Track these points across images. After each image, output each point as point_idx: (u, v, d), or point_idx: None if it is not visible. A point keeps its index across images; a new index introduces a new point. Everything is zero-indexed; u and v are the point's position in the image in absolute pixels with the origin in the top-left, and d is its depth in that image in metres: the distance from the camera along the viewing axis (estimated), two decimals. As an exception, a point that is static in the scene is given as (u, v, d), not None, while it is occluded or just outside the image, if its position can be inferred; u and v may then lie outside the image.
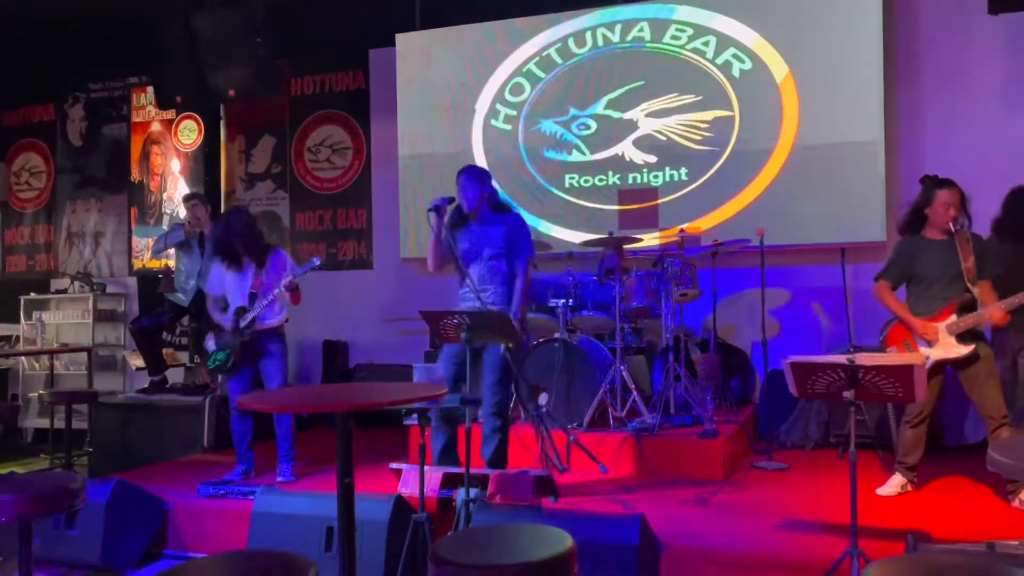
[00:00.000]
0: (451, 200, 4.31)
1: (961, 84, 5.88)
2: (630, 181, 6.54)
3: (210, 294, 4.98)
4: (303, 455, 5.17)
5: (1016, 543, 2.93)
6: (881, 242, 5.81)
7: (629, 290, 5.27)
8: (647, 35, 6.53)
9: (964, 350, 4.00)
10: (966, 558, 2.37)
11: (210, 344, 4.87)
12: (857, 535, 2.92)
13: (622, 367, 5.07)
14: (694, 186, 6.35)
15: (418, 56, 7.16)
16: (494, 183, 4.46)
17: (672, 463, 4.69)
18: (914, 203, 4.23)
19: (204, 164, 7.88)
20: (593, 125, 6.64)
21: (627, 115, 6.54)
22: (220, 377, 4.94)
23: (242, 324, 4.77)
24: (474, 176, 4.36)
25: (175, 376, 6.84)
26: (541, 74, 6.82)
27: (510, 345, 4.10)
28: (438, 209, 4.22)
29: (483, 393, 4.18)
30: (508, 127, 6.90)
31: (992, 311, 3.93)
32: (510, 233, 4.31)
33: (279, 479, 4.76)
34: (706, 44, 6.35)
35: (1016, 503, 3.89)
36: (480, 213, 4.35)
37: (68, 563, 4.03)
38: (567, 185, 6.70)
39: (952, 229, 4.06)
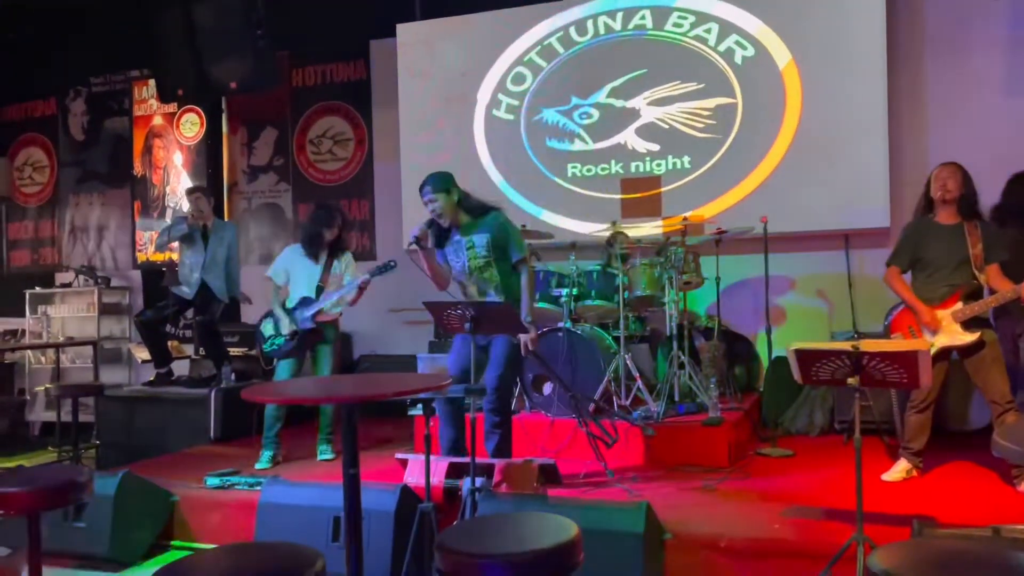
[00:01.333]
0: (429, 223, 4.11)
1: (965, 69, 5.85)
2: (633, 170, 6.53)
3: (273, 281, 5.17)
4: (309, 444, 5.21)
5: (1022, 527, 2.93)
6: (885, 228, 5.80)
7: (633, 279, 5.27)
8: (649, 23, 6.50)
9: (969, 337, 3.99)
10: (972, 543, 2.37)
11: (268, 328, 5.08)
12: (863, 521, 2.92)
13: (626, 355, 5.07)
14: (697, 174, 6.33)
15: (419, 46, 7.13)
16: (463, 184, 4.22)
17: (677, 451, 4.69)
18: (924, 189, 4.24)
19: (206, 157, 7.88)
20: (595, 114, 6.62)
21: (629, 103, 6.52)
22: (275, 361, 5.17)
23: (308, 313, 4.99)
24: (436, 186, 4.05)
25: (181, 368, 6.86)
26: (543, 63, 6.80)
27: (529, 347, 4.09)
28: (418, 241, 4.01)
29: (486, 388, 4.15)
30: (510, 117, 6.89)
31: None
32: (494, 237, 4.09)
33: (320, 458, 5.09)
34: (708, 31, 6.33)
35: (1022, 488, 3.89)
36: (459, 222, 4.14)
37: (76, 555, 4.06)
38: (570, 174, 6.69)
39: (944, 199, 4.06)
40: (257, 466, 4.88)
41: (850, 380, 2.95)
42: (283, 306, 5.08)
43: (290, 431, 5.23)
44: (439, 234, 4.17)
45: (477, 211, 4.16)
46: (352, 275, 5.13)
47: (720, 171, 6.26)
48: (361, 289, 5.02)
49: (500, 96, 6.92)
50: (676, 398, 5.15)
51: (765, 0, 6.19)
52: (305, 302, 5.03)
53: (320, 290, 5.04)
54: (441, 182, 4.08)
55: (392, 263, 4.95)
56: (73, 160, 8.63)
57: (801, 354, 3.04)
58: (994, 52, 5.78)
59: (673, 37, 6.43)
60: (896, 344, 3.38)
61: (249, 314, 7.32)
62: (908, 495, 3.92)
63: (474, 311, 3.51)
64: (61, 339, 7.97)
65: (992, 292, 4.05)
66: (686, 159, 6.37)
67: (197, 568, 1.96)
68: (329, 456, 5.09)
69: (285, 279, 5.15)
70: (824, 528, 3.45)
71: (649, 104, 6.47)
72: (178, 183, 8.02)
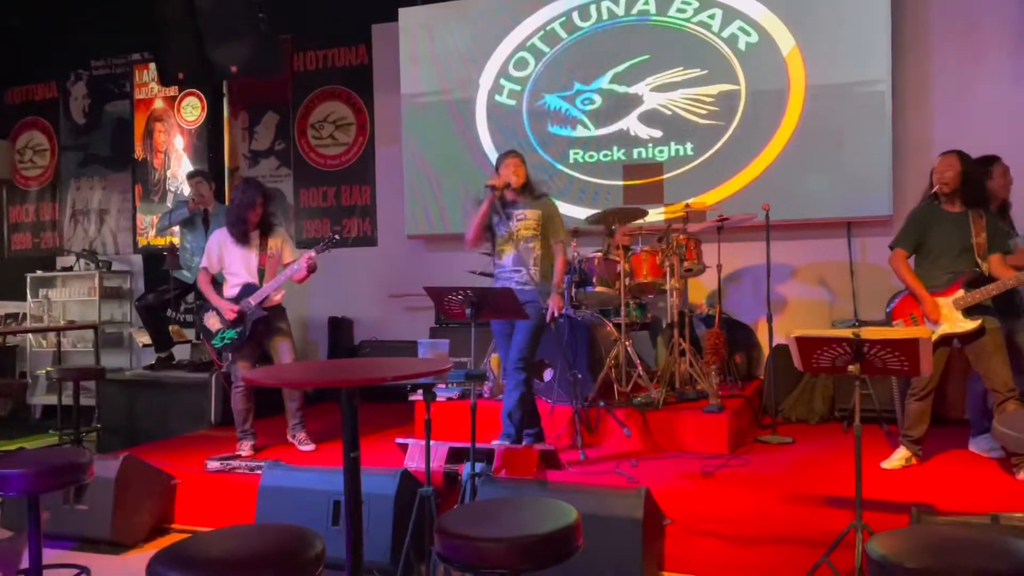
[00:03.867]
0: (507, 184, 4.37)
1: (970, 56, 5.81)
2: (635, 156, 6.51)
3: (205, 269, 4.90)
4: (309, 430, 5.20)
5: (1020, 515, 2.94)
6: (887, 216, 5.79)
7: (634, 266, 5.26)
8: (652, 8, 6.46)
9: (971, 325, 3.98)
10: (970, 530, 2.38)
11: (212, 322, 4.84)
12: (862, 508, 2.93)
13: (627, 342, 5.07)
14: (699, 161, 6.31)
15: (421, 31, 7.10)
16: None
17: (677, 437, 4.70)
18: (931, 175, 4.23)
19: (207, 141, 7.85)
20: (598, 100, 6.60)
21: (632, 89, 6.49)
22: (230, 355, 4.89)
23: (254, 302, 4.77)
24: (520, 155, 4.48)
25: (181, 353, 6.87)
26: (545, 48, 6.77)
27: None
28: (493, 188, 4.29)
29: (512, 350, 4.28)
30: (512, 102, 6.86)
31: None
32: (545, 216, 4.40)
33: (304, 448, 4.97)
34: (712, 17, 6.29)
35: (1021, 476, 3.89)
36: (522, 194, 4.41)
37: (78, 538, 4.07)
38: (572, 160, 6.67)
39: (943, 192, 4.07)
40: (239, 453, 4.82)
41: (851, 368, 2.95)
42: (231, 297, 4.82)
43: (271, 421, 5.22)
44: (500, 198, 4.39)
45: (536, 190, 4.49)
46: (292, 252, 4.88)
47: (723, 158, 6.24)
48: (309, 267, 4.73)
49: (502, 81, 6.89)
50: (676, 385, 5.16)
51: (769, -14, 6.16)
52: (248, 289, 4.78)
53: (262, 274, 4.81)
54: (523, 156, 4.50)
55: (336, 236, 4.81)
56: (74, 144, 8.61)
57: (802, 341, 3.04)
58: (1001, 39, 5.75)
59: (676, 23, 6.39)
60: (897, 332, 3.37)
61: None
62: (907, 483, 3.93)
63: (475, 296, 3.51)
64: (62, 323, 7.99)
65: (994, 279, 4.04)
66: (689, 146, 6.35)
67: (198, 550, 1.96)
68: (310, 447, 4.96)
69: (219, 266, 4.87)
70: (823, 515, 3.46)
71: (652, 90, 6.44)
72: (179, 167, 8.00)
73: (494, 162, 4.60)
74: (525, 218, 4.37)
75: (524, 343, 4.28)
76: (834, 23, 5.96)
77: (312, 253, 4.72)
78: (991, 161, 4.53)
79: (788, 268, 6.17)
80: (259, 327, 4.83)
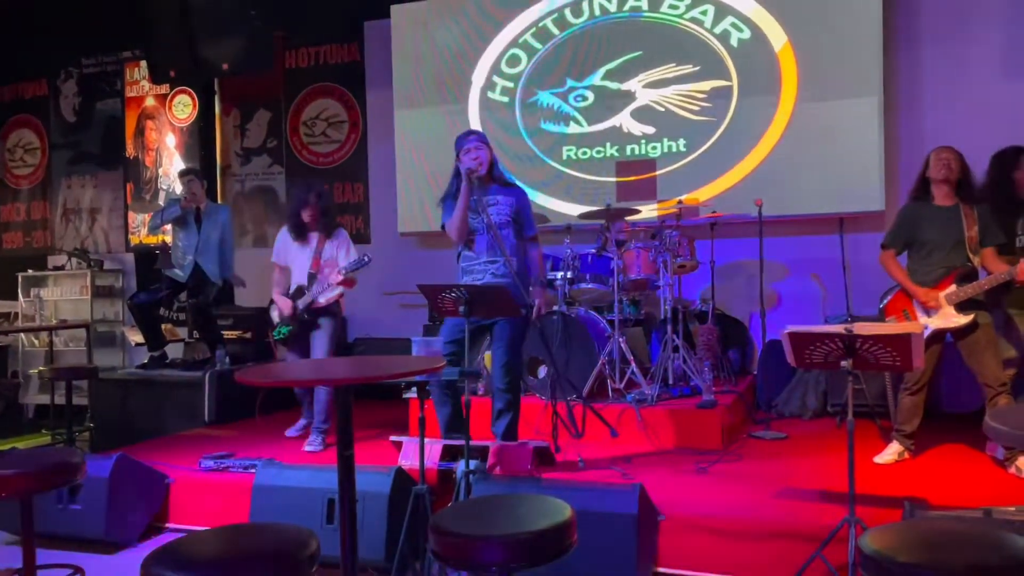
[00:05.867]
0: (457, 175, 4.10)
1: (962, 52, 5.83)
2: (628, 152, 6.51)
3: (276, 264, 5.15)
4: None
5: (1013, 509, 2.95)
6: (879, 211, 5.80)
7: (627, 262, 5.27)
8: (644, 4, 6.46)
9: (963, 320, 4.00)
10: (963, 524, 2.39)
11: (275, 315, 5.10)
12: (855, 502, 2.94)
13: (620, 339, 5.08)
14: (692, 157, 6.32)
15: (414, 28, 7.09)
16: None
17: (671, 433, 4.71)
18: (920, 171, 4.23)
19: (199, 139, 7.83)
20: (590, 96, 6.59)
21: (625, 86, 6.49)
22: (282, 347, 5.20)
23: (300, 307, 4.97)
24: (484, 138, 4.13)
25: (174, 351, 6.84)
26: (538, 45, 6.76)
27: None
28: (469, 172, 3.96)
29: (495, 370, 4.12)
30: (505, 99, 6.85)
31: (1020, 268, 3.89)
32: (518, 204, 4.16)
33: (307, 448, 4.92)
34: (704, 13, 6.29)
35: (1013, 470, 3.91)
36: (485, 183, 4.10)
37: (72, 537, 4.06)
38: (564, 157, 6.67)
39: (948, 179, 4.07)
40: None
41: (843, 363, 2.95)
42: (286, 292, 5.07)
43: (281, 415, 5.22)
44: (458, 187, 4.06)
45: (504, 179, 4.23)
46: (346, 255, 5.02)
47: (715, 154, 6.24)
48: (342, 284, 4.97)
49: (495, 78, 6.88)
50: (670, 381, 5.17)
51: (761, -18, 6.16)
52: (300, 292, 5.01)
53: (312, 277, 4.98)
54: (485, 136, 4.18)
55: (366, 258, 4.94)
56: (65, 142, 8.57)
57: (795, 337, 3.05)
58: (992, 35, 5.76)
59: (669, 19, 6.40)
60: (890, 327, 3.38)
61: (243, 297, 7.31)
62: (900, 477, 3.95)
63: (468, 294, 3.50)
64: (54, 322, 7.95)
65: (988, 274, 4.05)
66: (681, 142, 6.35)
67: (192, 549, 1.96)
68: (317, 448, 4.93)
69: (286, 261, 5.13)
70: (816, 510, 3.46)
71: (644, 87, 6.44)
72: (171, 165, 7.97)
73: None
74: (497, 203, 4.11)
75: (508, 363, 4.06)
76: (826, 19, 5.96)
77: (341, 276, 4.92)
78: (1021, 151, 4.47)
79: (781, 264, 6.18)
80: (305, 324, 5.04)
